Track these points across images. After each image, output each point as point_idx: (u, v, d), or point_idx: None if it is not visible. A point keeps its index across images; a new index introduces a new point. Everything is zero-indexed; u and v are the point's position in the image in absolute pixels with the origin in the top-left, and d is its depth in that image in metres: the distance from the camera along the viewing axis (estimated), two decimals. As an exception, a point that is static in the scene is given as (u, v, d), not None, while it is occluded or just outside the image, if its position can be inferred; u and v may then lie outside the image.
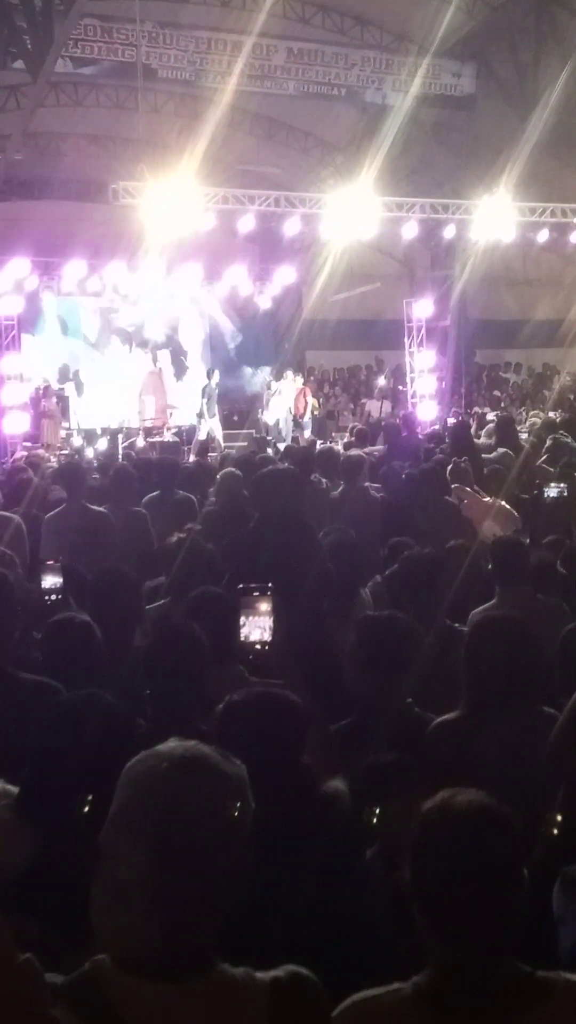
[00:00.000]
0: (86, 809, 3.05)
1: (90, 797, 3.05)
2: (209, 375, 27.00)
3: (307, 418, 27.97)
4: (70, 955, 2.44)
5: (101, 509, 10.04)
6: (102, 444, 24.25)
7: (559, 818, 3.43)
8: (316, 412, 28.40)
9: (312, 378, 31.66)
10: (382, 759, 3.79)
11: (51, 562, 6.69)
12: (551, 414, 22.83)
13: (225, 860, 2.38)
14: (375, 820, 3.50)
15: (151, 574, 7.64)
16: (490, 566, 7.49)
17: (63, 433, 25.64)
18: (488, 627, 4.67)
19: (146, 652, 4.84)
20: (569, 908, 3.17)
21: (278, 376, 28.92)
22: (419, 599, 6.37)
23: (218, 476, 11.45)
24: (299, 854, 3.29)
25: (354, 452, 14.75)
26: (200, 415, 26.37)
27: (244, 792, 2.47)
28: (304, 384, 29.04)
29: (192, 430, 26.34)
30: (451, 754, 4.25)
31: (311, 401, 28.46)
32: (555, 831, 3.38)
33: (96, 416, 27.57)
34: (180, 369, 30.79)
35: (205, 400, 26.24)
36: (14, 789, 3.41)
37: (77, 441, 25.13)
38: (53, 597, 6.39)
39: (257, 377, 31.79)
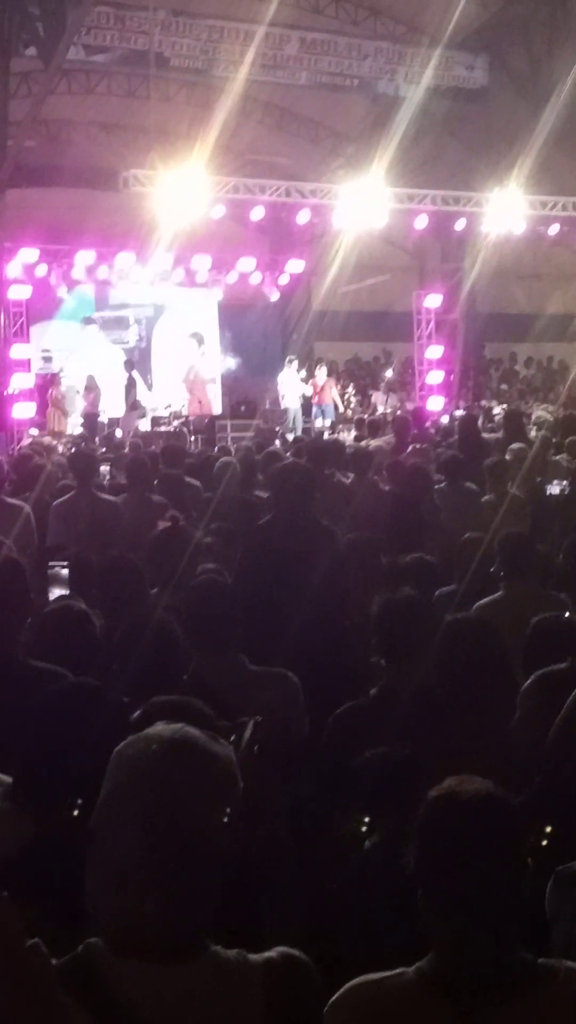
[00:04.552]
0: (75, 812, 3.05)
1: (80, 800, 3.05)
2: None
3: (327, 407, 27.60)
4: (62, 940, 2.44)
5: (111, 498, 10.04)
6: (118, 433, 24.25)
7: (548, 829, 3.47)
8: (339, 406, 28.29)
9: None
10: (393, 755, 3.80)
11: (56, 566, 6.69)
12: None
13: (216, 841, 2.38)
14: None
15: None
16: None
17: (68, 422, 25.67)
18: (456, 629, 4.68)
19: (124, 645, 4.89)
20: (562, 907, 3.20)
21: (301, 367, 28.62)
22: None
23: (216, 465, 11.59)
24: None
25: (369, 443, 14.85)
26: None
27: (233, 772, 2.47)
28: (328, 376, 28.60)
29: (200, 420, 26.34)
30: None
31: (335, 395, 28.26)
32: (544, 842, 3.42)
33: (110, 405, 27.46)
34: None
35: None
36: (7, 778, 3.43)
37: (78, 430, 25.07)
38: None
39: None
